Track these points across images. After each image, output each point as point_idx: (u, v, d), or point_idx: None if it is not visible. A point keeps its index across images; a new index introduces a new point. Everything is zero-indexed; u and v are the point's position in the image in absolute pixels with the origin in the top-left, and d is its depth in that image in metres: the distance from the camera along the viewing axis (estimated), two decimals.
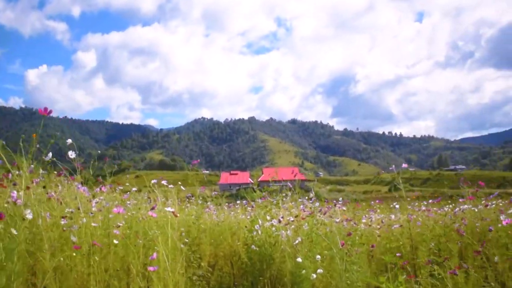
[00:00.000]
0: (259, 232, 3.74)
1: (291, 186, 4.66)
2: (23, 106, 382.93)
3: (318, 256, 3.03)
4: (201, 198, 5.92)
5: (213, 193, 6.81)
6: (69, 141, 2.74)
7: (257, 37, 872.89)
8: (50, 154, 2.67)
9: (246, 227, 4.15)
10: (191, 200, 6.01)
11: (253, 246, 3.73)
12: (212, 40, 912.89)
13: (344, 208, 5.74)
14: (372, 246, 4.22)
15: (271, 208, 4.27)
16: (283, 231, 3.65)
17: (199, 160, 3.07)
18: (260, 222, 3.81)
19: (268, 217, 4.02)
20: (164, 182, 3.55)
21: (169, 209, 2.43)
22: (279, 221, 3.81)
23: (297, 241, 3.30)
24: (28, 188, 2.42)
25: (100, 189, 3.85)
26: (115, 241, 2.69)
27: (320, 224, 3.84)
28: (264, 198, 4.44)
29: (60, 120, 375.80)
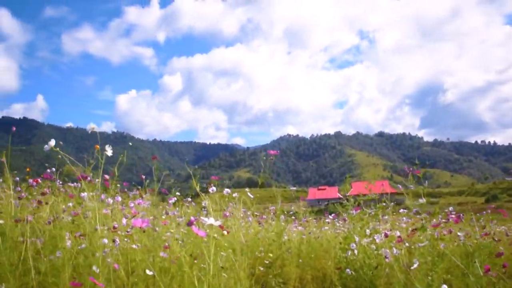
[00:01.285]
0: (355, 251, 2.97)
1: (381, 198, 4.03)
2: (114, 130, 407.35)
3: (445, 286, 2.14)
4: (286, 213, 5.40)
5: (302, 208, 6.27)
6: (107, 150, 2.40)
7: (339, 51, 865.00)
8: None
9: (340, 243, 3.41)
10: (268, 215, 5.49)
11: (348, 269, 2.95)
12: (295, 57, 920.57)
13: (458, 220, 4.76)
14: None
15: (368, 221, 3.48)
16: (386, 250, 2.83)
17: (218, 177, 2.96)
18: (356, 238, 3.03)
19: (367, 232, 3.20)
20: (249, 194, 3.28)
21: (211, 221, 1.63)
22: (385, 236, 2.96)
23: (415, 265, 2.40)
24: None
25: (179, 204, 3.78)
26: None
27: (436, 239, 2.95)
28: (359, 208, 3.66)
29: (149, 143, 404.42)
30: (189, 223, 2.31)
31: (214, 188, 2.80)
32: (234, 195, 3.25)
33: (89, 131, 2.09)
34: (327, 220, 6.28)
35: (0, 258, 1.85)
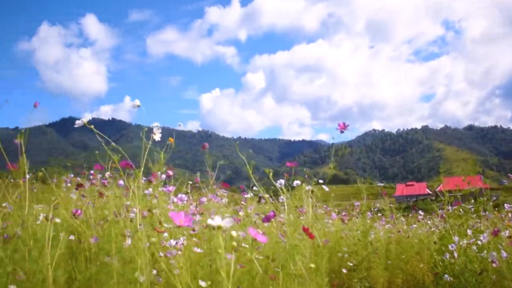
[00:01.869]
0: (455, 254, 2.53)
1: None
2: (200, 129, 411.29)
3: None
4: (372, 209, 5.06)
5: (390, 205, 5.77)
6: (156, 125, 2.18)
7: (424, 43, 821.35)
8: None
9: (434, 244, 2.99)
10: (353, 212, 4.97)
11: (446, 275, 2.51)
12: (378, 51, 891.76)
13: None
14: None
15: (467, 218, 3.01)
16: (493, 253, 2.37)
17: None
18: (455, 239, 2.59)
19: (468, 232, 2.71)
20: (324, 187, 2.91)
21: (213, 222, 1.17)
22: (495, 234, 2.43)
23: None
24: None
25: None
26: None
27: None
28: (458, 203, 3.18)
29: (234, 141, 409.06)
30: (266, 219, 2.10)
31: (299, 182, 2.59)
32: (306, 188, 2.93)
33: (134, 108, 1.93)
34: (419, 217, 5.73)
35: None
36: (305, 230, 1.88)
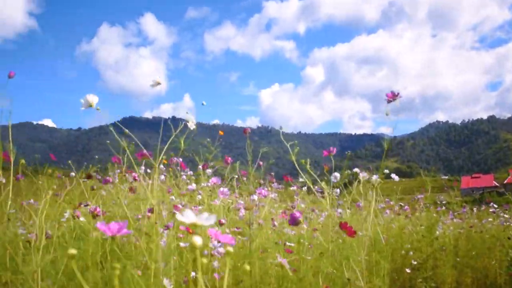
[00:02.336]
0: None
1: None
2: (259, 125, 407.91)
3: None
4: (438, 202, 4.74)
5: (456, 198, 5.46)
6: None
7: (490, 29, 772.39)
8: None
9: (509, 238, 2.72)
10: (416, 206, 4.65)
11: None
12: (441, 39, 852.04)
13: None
14: None
15: None
16: None
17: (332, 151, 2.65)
18: None
19: None
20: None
21: (181, 217, 0.85)
22: None
23: None
24: None
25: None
26: None
27: None
28: None
29: (294, 136, 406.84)
30: (292, 221, 1.88)
31: (365, 174, 2.48)
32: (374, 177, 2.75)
33: (155, 85, 1.84)
34: (490, 210, 5.29)
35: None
36: (343, 226, 1.71)
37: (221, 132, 2.47)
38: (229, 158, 2.66)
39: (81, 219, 1.99)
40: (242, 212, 2.30)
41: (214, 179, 2.31)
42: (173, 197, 2.12)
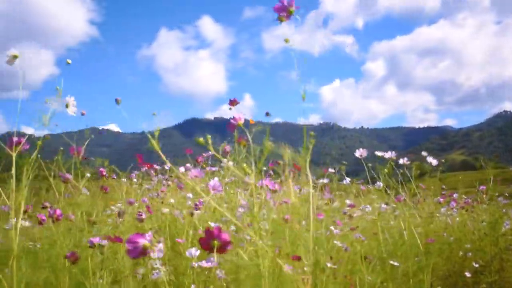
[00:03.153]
0: None
1: None
2: (321, 122, 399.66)
3: None
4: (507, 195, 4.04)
5: None
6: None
7: None
8: None
9: None
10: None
11: None
12: (506, 26, 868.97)
13: None
14: None
15: None
16: None
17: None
18: None
19: None
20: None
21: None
22: None
23: None
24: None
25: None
26: None
27: None
28: None
29: (356, 131, 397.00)
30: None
31: (433, 160, 2.57)
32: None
33: (9, 62, 1.53)
34: None
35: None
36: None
37: (251, 121, 3.00)
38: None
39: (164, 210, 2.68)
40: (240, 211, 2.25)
41: (194, 172, 2.97)
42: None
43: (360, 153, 2.48)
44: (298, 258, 1.45)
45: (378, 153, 2.47)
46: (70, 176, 2.24)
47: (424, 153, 2.84)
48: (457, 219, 3.71)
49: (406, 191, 2.69)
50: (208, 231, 1.15)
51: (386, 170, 2.32)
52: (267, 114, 2.15)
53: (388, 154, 2.38)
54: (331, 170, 2.96)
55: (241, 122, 1.53)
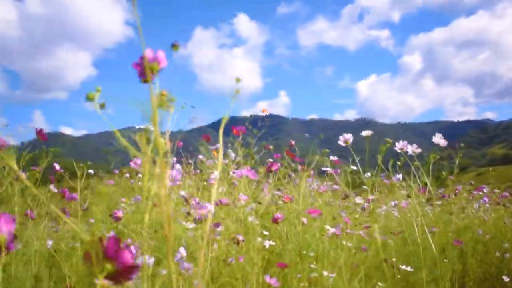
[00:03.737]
0: None
1: None
2: (357, 117, 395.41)
3: None
4: None
5: None
6: None
7: None
8: None
9: None
10: None
11: None
12: None
13: None
14: None
15: None
16: None
17: None
18: None
19: None
20: None
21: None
22: None
23: None
24: None
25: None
26: None
27: None
28: None
29: (393, 126, 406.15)
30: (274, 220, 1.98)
31: None
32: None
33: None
34: None
35: None
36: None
37: (264, 110, 2.72)
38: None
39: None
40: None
41: (173, 172, 3.53)
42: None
43: (402, 145, 2.30)
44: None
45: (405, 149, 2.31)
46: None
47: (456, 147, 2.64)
48: (492, 214, 3.46)
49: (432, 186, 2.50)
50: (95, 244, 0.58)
51: (399, 163, 2.24)
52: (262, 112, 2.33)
53: (409, 148, 2.24)
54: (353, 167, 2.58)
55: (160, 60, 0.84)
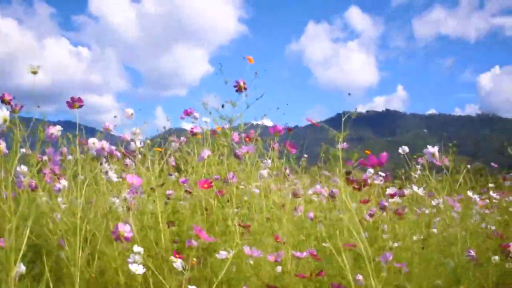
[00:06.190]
0: None
1: None
2: (479, 112, 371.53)
3: None
4: None
5: None
6: None
7: None
8: None
9: None
10: None
11: None
12: None
13: None
14: None
15: None
16: None
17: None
18: None
19: None
20: None
21: None
22: None
23: None
24: None
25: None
26: None
27: None
28: None
29: None
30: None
31: None
32: None
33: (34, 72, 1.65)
34: None
35: None
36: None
37: (249, 59, 2.28)
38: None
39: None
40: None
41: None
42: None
43: None
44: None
45: None
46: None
47: None
48: None
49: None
50: None
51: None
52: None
53: None
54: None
55: None
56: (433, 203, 2.16)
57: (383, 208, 2.09)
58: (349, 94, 2.19)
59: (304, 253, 1.58)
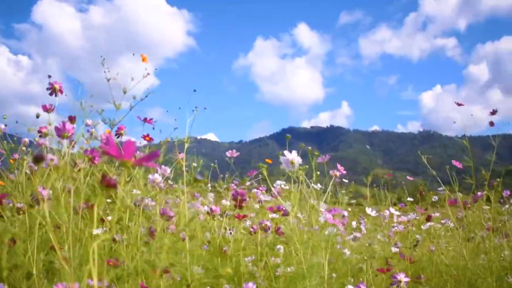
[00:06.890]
0: None
1: None
2: (421, 129, 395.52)
3: None
4: None
5: None
6: None
7: None
8: None
9: None
10: None
11: None
12: None
13: None
14: None
15: None
16: None
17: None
18: None
19: None
20: None
21: None
22: None
23: None
24: None
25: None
26: None
27: None
28: None
29: (458, 140, 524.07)
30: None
31: None
32: None
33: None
34: None
35: None
36: None
37: (143, 58, 2.51)
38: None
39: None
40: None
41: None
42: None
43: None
44: None
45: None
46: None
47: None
48: None
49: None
50: None
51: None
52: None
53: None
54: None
55: None
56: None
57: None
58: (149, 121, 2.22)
59: None
